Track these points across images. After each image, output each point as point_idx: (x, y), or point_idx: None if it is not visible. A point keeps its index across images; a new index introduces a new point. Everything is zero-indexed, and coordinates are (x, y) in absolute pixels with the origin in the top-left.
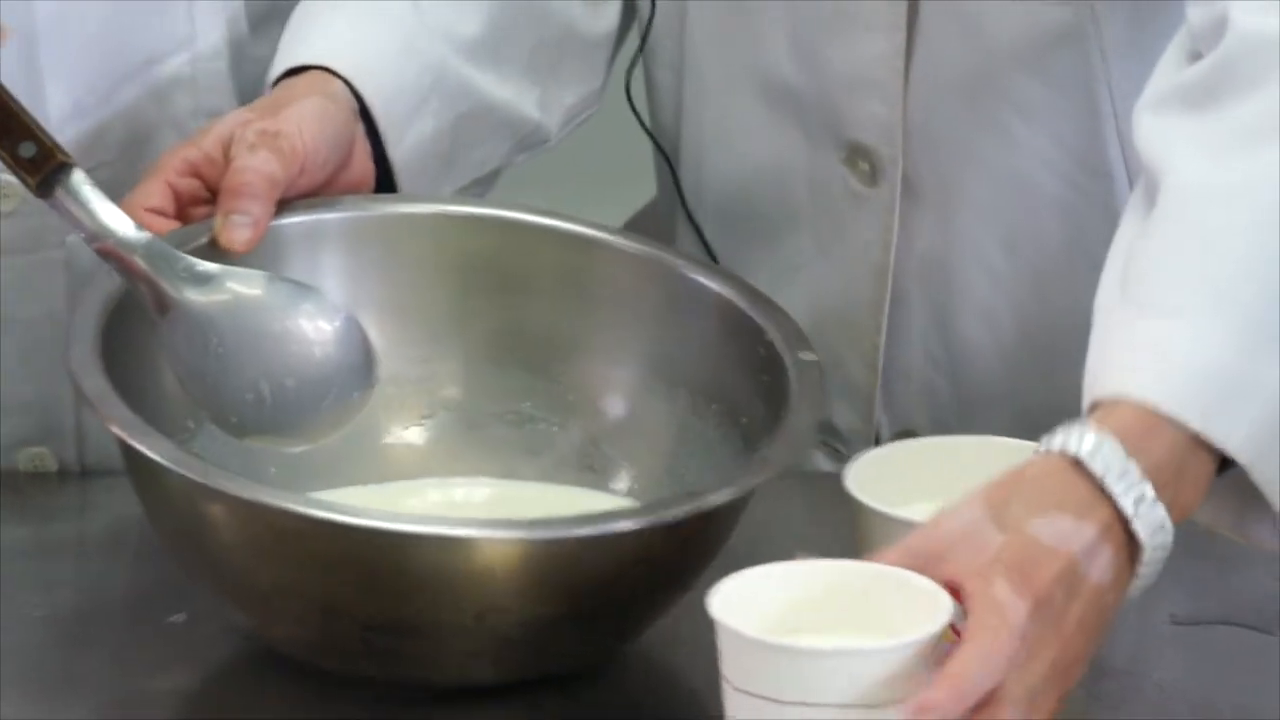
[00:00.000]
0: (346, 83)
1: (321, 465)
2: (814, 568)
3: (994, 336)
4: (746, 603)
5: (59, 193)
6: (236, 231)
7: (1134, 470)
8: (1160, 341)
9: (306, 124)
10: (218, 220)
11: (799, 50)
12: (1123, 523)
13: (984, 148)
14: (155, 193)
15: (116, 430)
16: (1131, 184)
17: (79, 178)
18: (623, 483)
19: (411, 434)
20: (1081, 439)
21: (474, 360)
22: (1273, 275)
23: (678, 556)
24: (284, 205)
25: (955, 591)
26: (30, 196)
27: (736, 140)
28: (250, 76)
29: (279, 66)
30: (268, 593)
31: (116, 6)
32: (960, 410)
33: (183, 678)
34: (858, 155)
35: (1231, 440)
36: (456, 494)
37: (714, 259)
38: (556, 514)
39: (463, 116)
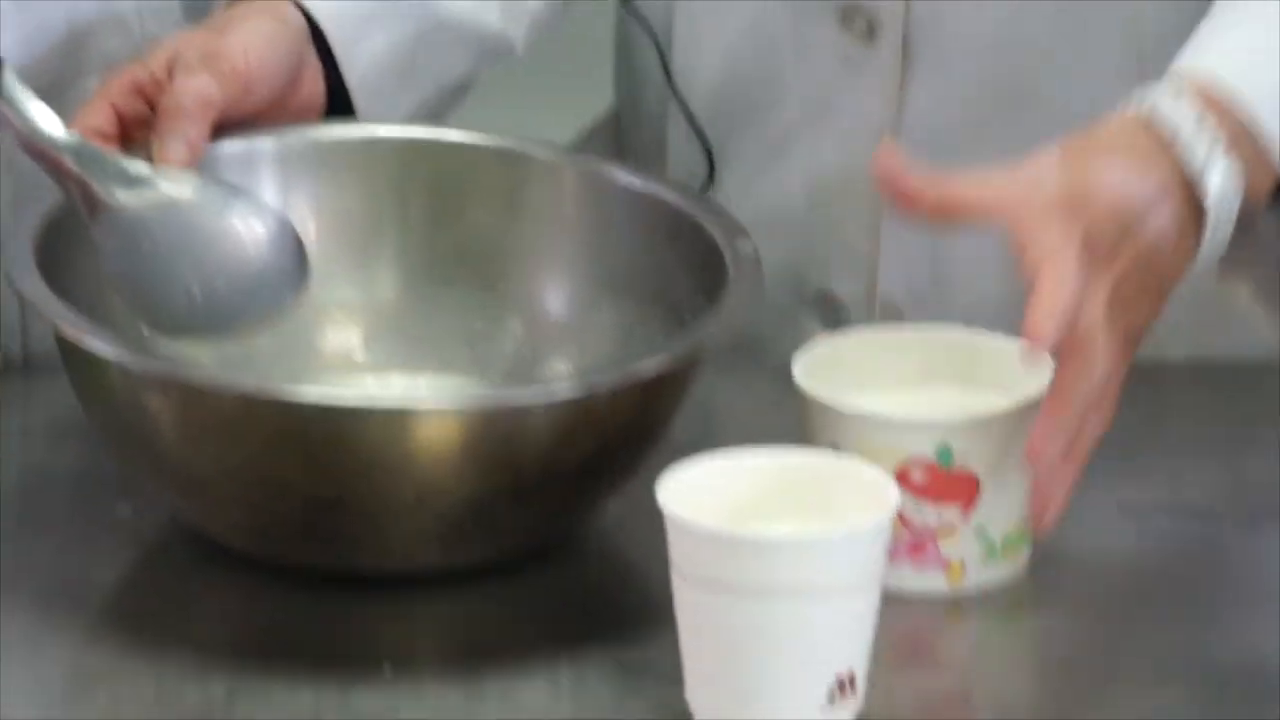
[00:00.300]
0: (297, 4)
1: (258, 371)
2: (763, 456)
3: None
4: (696, 492)
5: None
6: (171, 152)
7: (1206, 132)
8: (1260, 43)
9: (253, 46)
10: (154, 141)
11: None
12: (1187, 185)
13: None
14: (99, 113)
15: (53, 322)
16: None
17: (9, 78)
18: None
19: (350, 341)
20: (1161, 93)
21: (413, 276)
22: None
23: (617, 432)
24: (223, 129)
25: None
26: None
27: (724, 13)
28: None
29: None
30: (209, 478)
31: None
32: (960, 275)
33: (125, 568)
34: (854, 13)
35: None
36: (395, 387)
37: (705, 142)
38: None
39: (420, 32)
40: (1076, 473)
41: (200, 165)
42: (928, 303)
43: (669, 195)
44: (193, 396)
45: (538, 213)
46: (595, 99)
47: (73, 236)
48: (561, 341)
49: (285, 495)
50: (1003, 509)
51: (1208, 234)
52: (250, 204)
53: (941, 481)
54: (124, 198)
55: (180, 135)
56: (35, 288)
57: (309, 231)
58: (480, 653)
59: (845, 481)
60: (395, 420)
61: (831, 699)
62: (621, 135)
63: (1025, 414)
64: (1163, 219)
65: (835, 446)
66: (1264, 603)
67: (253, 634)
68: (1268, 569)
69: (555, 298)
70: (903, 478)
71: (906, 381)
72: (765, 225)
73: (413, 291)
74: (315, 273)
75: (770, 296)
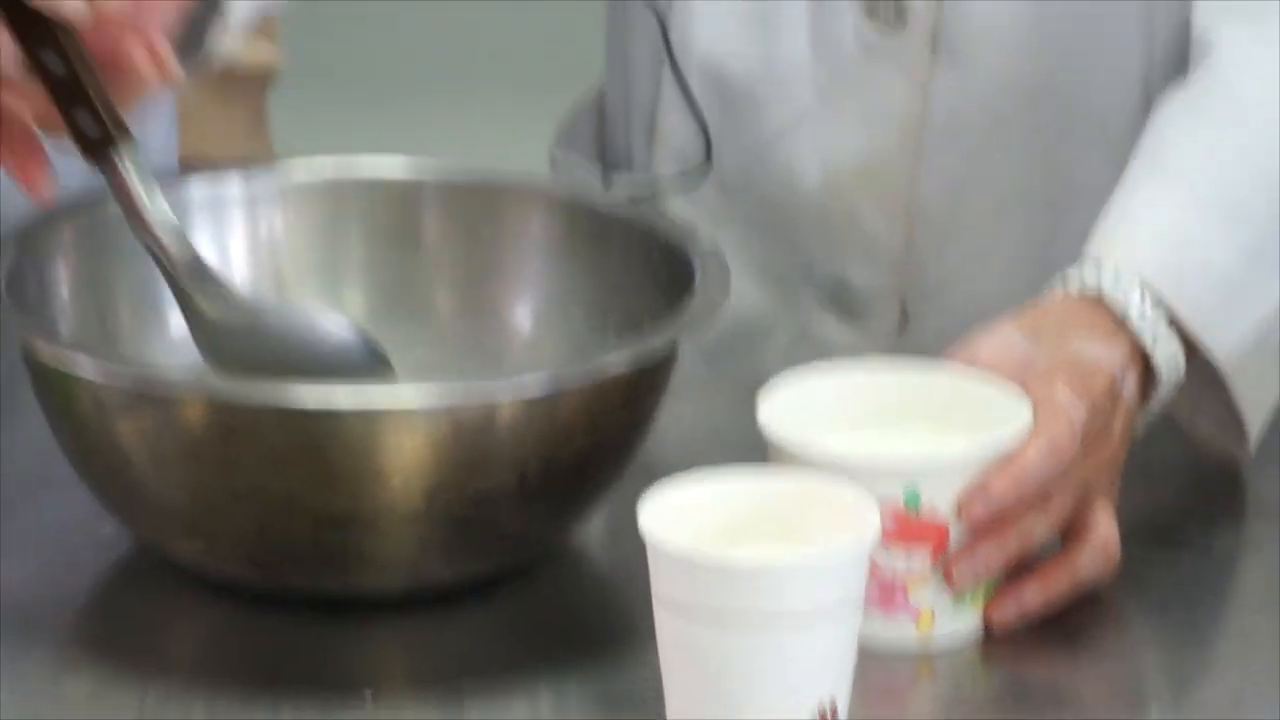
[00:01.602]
0: None
1: None
2: (746, 478)
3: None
4: (677, 514)
5: (110, 164)
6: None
7: (1148, 310)
8: (1175, 227)
9: None
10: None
11: None
12: (1142, 355)
13: None
14: None
15: (24, 339)
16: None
17: (133, 156)
18: None
19: None
20: (1100, 275)
21: (381, 306)
22: None
23: (612, 423)
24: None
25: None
26: None
27: None
28: None
29: None
30: (208, 503)
31: None
32: (981, 265)
33: (106, 589)
34: (880, 1)
35: (1220, 350)
36: None
37: (702, 122)
38: None
39: None
40: (1004, 560)
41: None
42: (945, 295)
43: (615, 207)
44: (166, 408)
45: (500, 238)
46: (583, 80)
47: (43, 247)
48: (531, 362)
49: (293, 510)
50: None
51: (1158, 395)
52: (326, 314)
53: (910, 527)
54: (209, 307)
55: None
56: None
57: (279, 266)
58: (460, 677)
59: (826, 504)
60: (398, 419)
61: None
62: (607, 119)
63: (997, 455)
64: (1131, 386)
65: None
66: (1240, 632)
67: (233, 658)
68: (1246, 595)
69: (523, 319)
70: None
71: (876, 421)
72: (769, 211)
73: (381, 321)
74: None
75: (775, 283)
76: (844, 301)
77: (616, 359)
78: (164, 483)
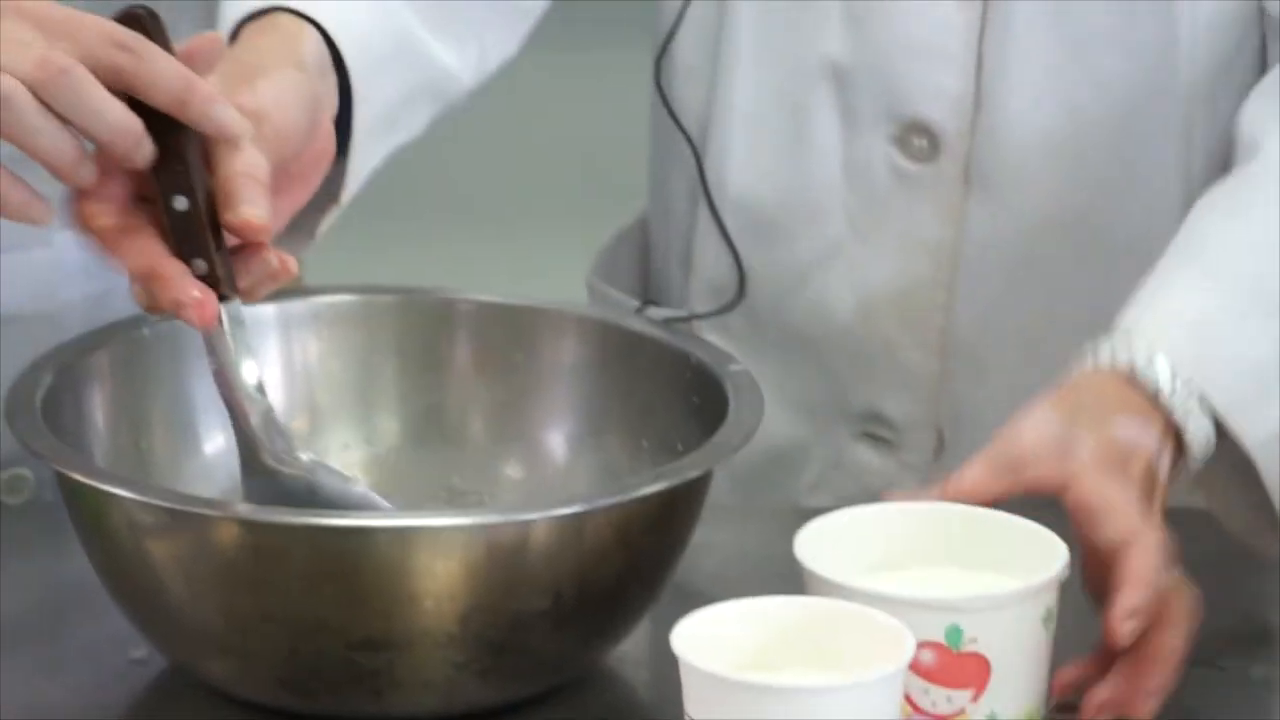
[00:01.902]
0: (324, 35)
1: None
2: (778, 602)
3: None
4: (711, 638)
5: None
6: (255, 222)
7: (1179, 387)
8: (1206, 316)
9: (285, 101)
10: (228, 217)
11: (852, 22)
12: (1176, 434)
13: (1055, 126)
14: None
15: (56, 464)
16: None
17: (235, 313)
18: None
19: None
20: (1132, 352)
21: (413, 426)
22: None
23: (647, 544)
24: None
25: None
26: None
27: (769, 120)
28: None
29: (245, 7)
30: (241, 624)
31: None
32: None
33: (138, 713)
34: (912, 132)
35: (1248, 437)
36: None
37: (734, 252)
38: None
39: (417, 82)
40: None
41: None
42: (981, 424)
43: (648, 328)
44: (199, 530)
45: (533, 361)
46: (629, 205)
47: (79, 370)
48: (565, 486)
49: (327, 632)
50: (1015, 693)
51: (1187, 471)
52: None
53: (951, 664)
54: (277, 467)
55: (256, 205)
56: (35, 430)
57: (312, 390)
58: None
59: (861, 630)
60: (420, 543)
61: None
62: (650, 244)
63: (1038, 594)
64: (1165, 465)
65: None
66: None
67: None
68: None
69: (556, 443)
70: (910, 661)
71: (912, 560)
72: (802, 341)
73: (414, 445)
74: (320, 426)
75: (809, 412)
76: (878, 431)
77: (650, 484)
78: (197, 604)
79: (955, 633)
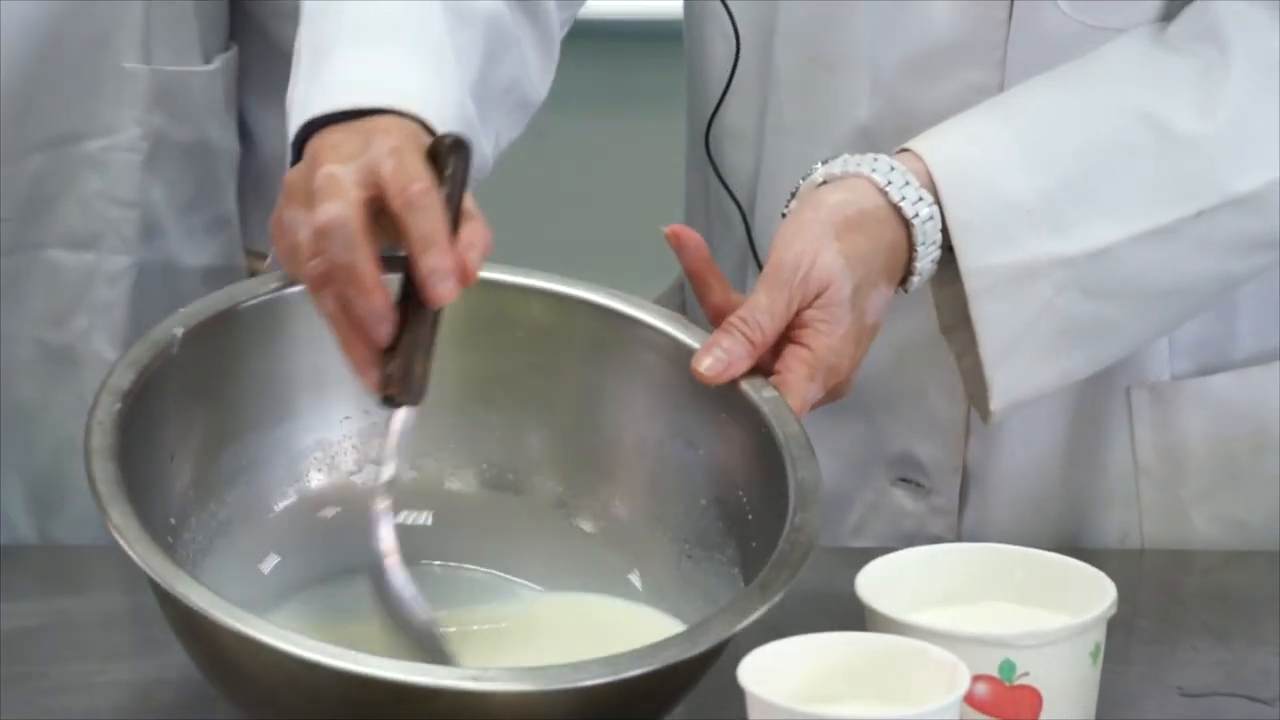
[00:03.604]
0: (424, 127)
1: (332, 550)
2: (839, 639)
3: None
4: (776, 672)
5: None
6: (444, 289)
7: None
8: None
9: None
10: (423, 276)
11: (878, 90)
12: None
13: None
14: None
15: (149, 572)
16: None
17: (402, 418)
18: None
19: (420, 526)
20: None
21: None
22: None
23: (680, 689)
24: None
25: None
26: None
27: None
28: (166, 161)
29: (334, 103)
30: None
31: (32, 79)
32: (1033, 438)
33: None
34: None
35: (967, 260)
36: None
37: None
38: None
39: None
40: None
41: (270, 312)
42: (1003, 472)
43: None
44: (264, 656)
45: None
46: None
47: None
48: (632, 543)
49: None
50: None
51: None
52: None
53: (1005, 697)
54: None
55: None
56: (134, 533)
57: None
58: None
59: (917, 664)
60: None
61: None
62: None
63: (1086, 630)
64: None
65: None
66: None
67: None
68: None
69: (622, 507)
70: (966, 694)
71: (968, 597)
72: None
73: (486, 492)
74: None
75: (849, 460)
76: (912, 475)
77: (721, 626)
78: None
79: (1008, 667)
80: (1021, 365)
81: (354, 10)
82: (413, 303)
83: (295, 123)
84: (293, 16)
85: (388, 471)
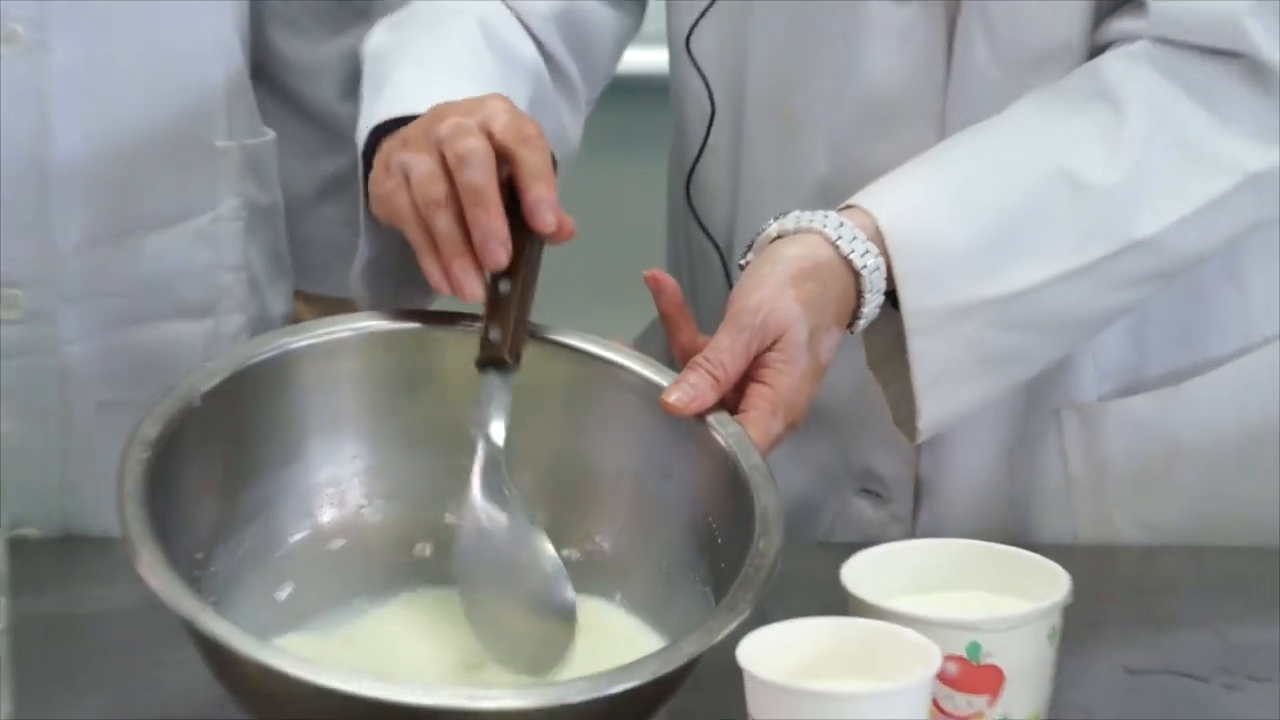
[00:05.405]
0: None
1: (341, 579)
2: (826, 624)
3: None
4: (770, 653)
5: (486, 376)
6: (549, 218)
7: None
8: (916, 201)
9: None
10: (530, 204)
11: (836, 152)
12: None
13: None
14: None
15: (182, 613)
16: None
17: (505, 379)
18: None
19: (423, 550)
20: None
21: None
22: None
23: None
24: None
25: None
26: (30, 307)
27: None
28: (257, 224)
29: (403, 109)
30: None
31: (136, 165)
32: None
33: None
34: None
35: (909, 301)
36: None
37: None
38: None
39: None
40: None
41: (278, 364)
42: (952, 485)
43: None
44: (280, 684)
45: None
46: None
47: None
48: (615, 567)
49: None
50: (1024, 697)
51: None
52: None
53: (971, 674)
54: (480, 501)
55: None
56: (160, 571)
57: (399, 438)
58: None
59: (894, 645)
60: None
61: None
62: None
63: (1045, 615)
64: (833, 345)
65: None
66: None
67: None
68: None
69: (605, 536)
70: (938, 672)
71: (939, 586)
72: (814, 412)
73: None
74: (404, 496)
75: (818, 473)
76: (873, 486)
77: (699, 640)
78: None
79: (975, 648)
80: (947, 391)
81: (415, 45)
82: (515, 282)
83: (365, 128)
84: (307, 73)
85: (497, 429)
